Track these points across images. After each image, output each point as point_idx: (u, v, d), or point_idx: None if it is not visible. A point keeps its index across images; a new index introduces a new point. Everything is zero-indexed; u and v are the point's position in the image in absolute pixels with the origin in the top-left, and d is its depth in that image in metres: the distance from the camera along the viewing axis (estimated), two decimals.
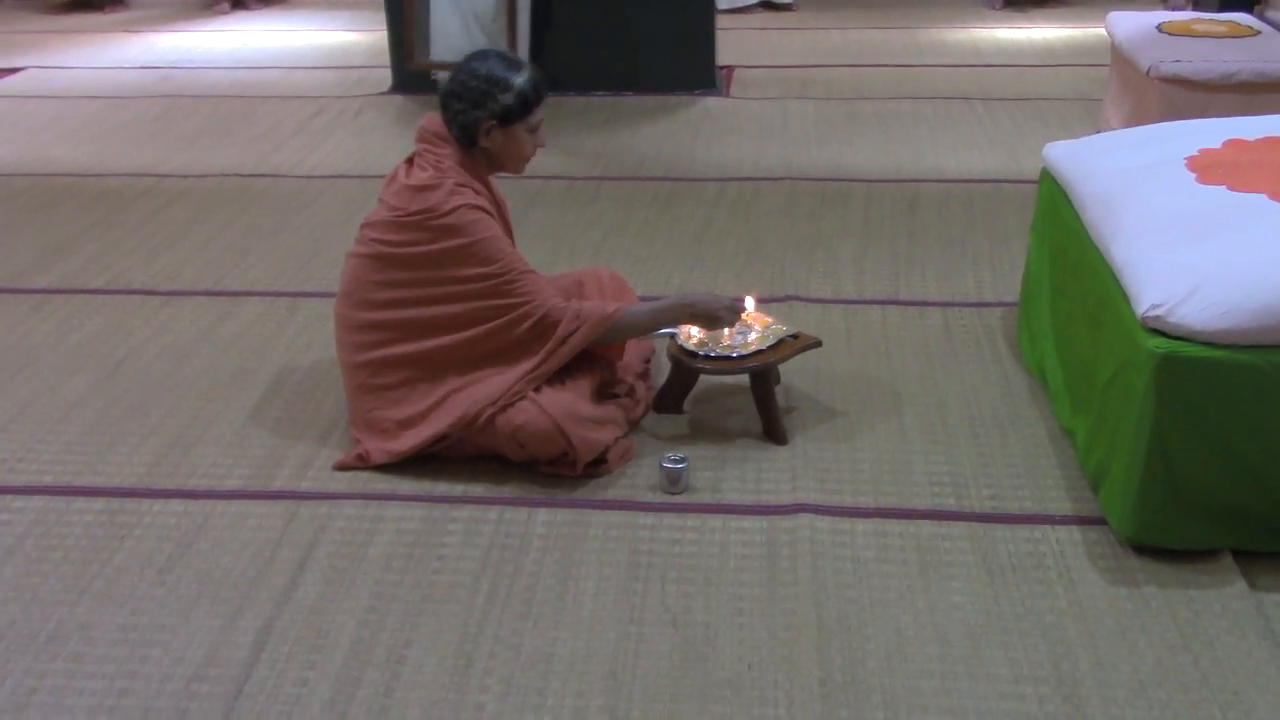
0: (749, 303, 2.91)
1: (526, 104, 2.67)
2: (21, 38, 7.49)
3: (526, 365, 2.67)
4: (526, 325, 2.67)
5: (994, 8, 7.83)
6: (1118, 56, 4.92)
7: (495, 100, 2.64)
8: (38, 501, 2.63)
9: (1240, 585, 2.29)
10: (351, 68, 6.50)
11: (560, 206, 4.39)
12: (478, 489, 2.65)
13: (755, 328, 2.86)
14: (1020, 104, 5.60)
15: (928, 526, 2.50)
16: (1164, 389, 2.24)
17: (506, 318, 2.67)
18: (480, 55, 2.68)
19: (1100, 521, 2.49)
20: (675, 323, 2.82)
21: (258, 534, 2.51)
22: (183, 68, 6.59)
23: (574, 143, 5.11)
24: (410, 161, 2.76)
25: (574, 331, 2.68)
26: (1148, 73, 4.42)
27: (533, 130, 2.72)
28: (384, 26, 6.00)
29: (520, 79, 2.66)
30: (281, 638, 2.21)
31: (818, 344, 2.93)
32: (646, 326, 2.80)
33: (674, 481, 2.62)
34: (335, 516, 2.55)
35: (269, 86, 6.15)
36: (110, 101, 5.93)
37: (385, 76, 6.05)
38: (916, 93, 5.82)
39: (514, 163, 2.76)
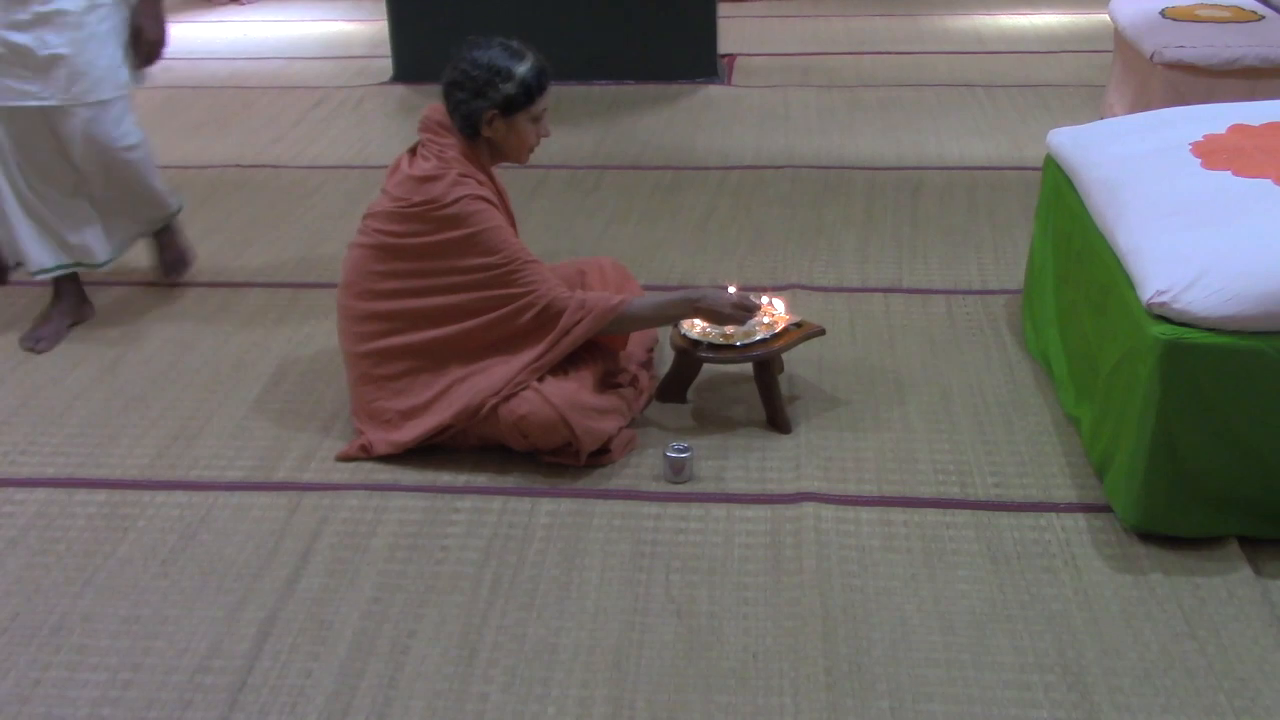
0: (778, 305, 2.89)
1: (529, 93, 2.65)
2: None
3: (529, 355, 2.67)
4: (530, 315, 2.66)
5: None
6: (1121, 42, 4.90)
7: (497, 89, 2.63)
8: (40, 494, 2.63)
9: (1246, 572, 2.29)
10: (352, 57, 6.48)
11: (562, 196, 4.38)
12: (481, 479, 2.65)
13: (764, 318, 2.85)
14: (1023, 90, 5.58)
15: (932, 515, 2.50)
16: (1169, 375, 2.23)
17: (510, 307, 2.66)
18: (483, 44, 2.67)
19: (1105, 509, 2.48)
20: (680, 317, 2.81)
21: (261, 525, 2.50)
22: (183, 59, 6.57)
23: (576, 132, 5.10)
24: (413, 151, 2.75)
25: (578, 322, 2.67)
26: (1151, 58, 4.40)
27: (536, 120, 2.71)
28: (384, 16, 5.98)
29: (523, 68, 2.64)
30: (285, 629, 2.21)
31: (821, 332, 2.92)
32: (651, 320, 2.79)
33: (678, 471, 2.62)
34: (338, 507, 2.55)
35: (269, 77, 6.14)
36: None
37: (386, 66, 6.03)
38: (919, 80, 5.81)
39: (517, 152, 2.75)
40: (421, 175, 2.65)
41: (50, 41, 2.99)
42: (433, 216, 2.63)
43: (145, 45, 3.20)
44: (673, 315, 2.79)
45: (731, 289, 2.82)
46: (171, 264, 3.65)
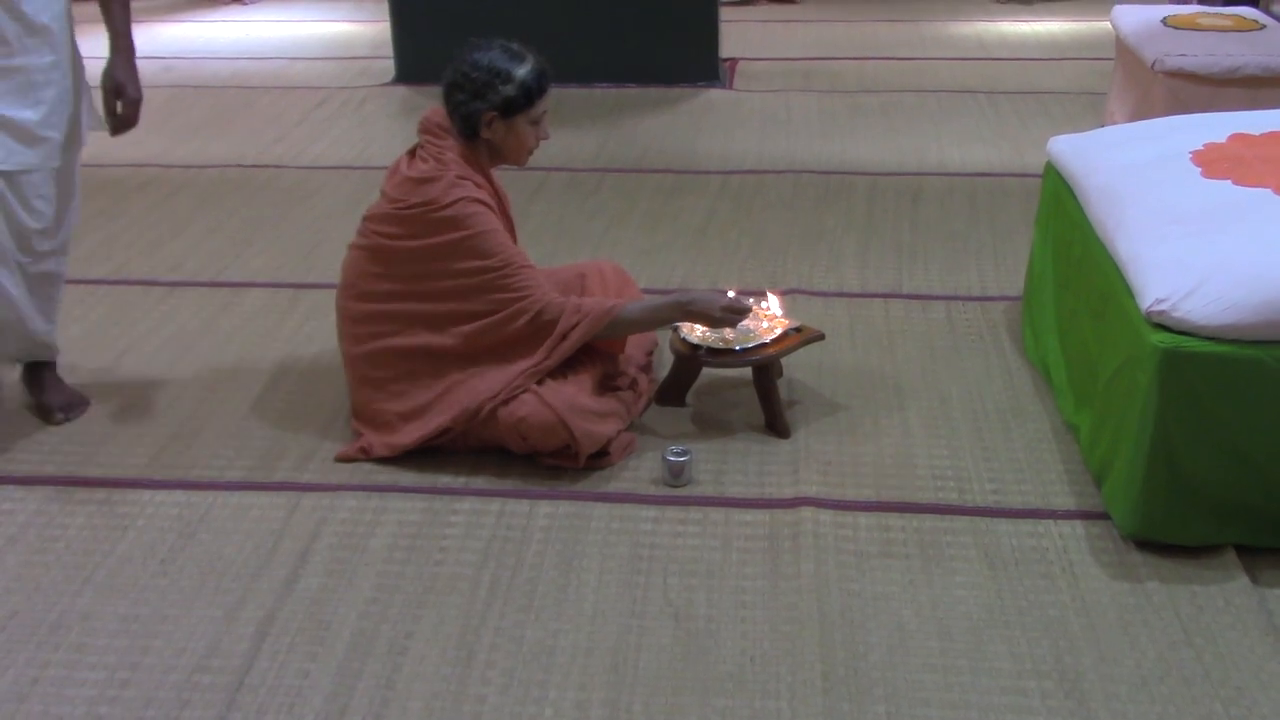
0: (773, 302, 2.90)
1: (528, 95, 2.65)
2: None
3: (528, 361, 2.67)
4: (524, 320, 2.66)
5: (998, 1, 7.81)
6: (1123, 50, 4.91)
7: (496, 91, 2.63)
8: (39, 492, 2.63)
9: (1243, 580, 2.29)
10: (354, 58, 6.49)
11: (563, 199, 4.39)
12: (479, 481, 2.65)
13: (764, 323, 2.86)
14: (1024, 97, 5.58)
15: (930, 520, 2.50)
16: (1168, 384, 2.24)
17: (504, 312, 2.66)
18: (483, 46, 2.68)
19: (1103, 516, 2.48)
20: (671, 320, 2.81)
21: (259, 525, 2.51)
22: (185, 58, 6.58)
23: (577, 135, 5.10)
24: (412, 153, 2.75)
25: (574, 326, 2.67)
26: (1153, 67, 4.41)
27: (535, 122, 2.71)
28: (386, 17, 5.98)
29: (522, 70, 2.64)
30: (283, 629, 2.21)
31: (820, 337, 2.93)
32: (644, 324, 2.80)
33: (676, 474, 2.62)
34: (337, 508, 2.55)
35: (271, 77, 6.14)
36: None
37: (388, 67, 6.04)
38: (920, 86, 5.81)
39: (516, 154, 2.75)
40: (419, 176, 2.65)
41: (11, 104, 2.55)
42: (429, 219, 2.63)
43: (128, 105, 2.77)
44: (664, 319, 2.79)
45: (731, 293, 2.82)
46: (63, 405, 2.93)
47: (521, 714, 2.01)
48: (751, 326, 2.83)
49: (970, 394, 2.99)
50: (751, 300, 2.86)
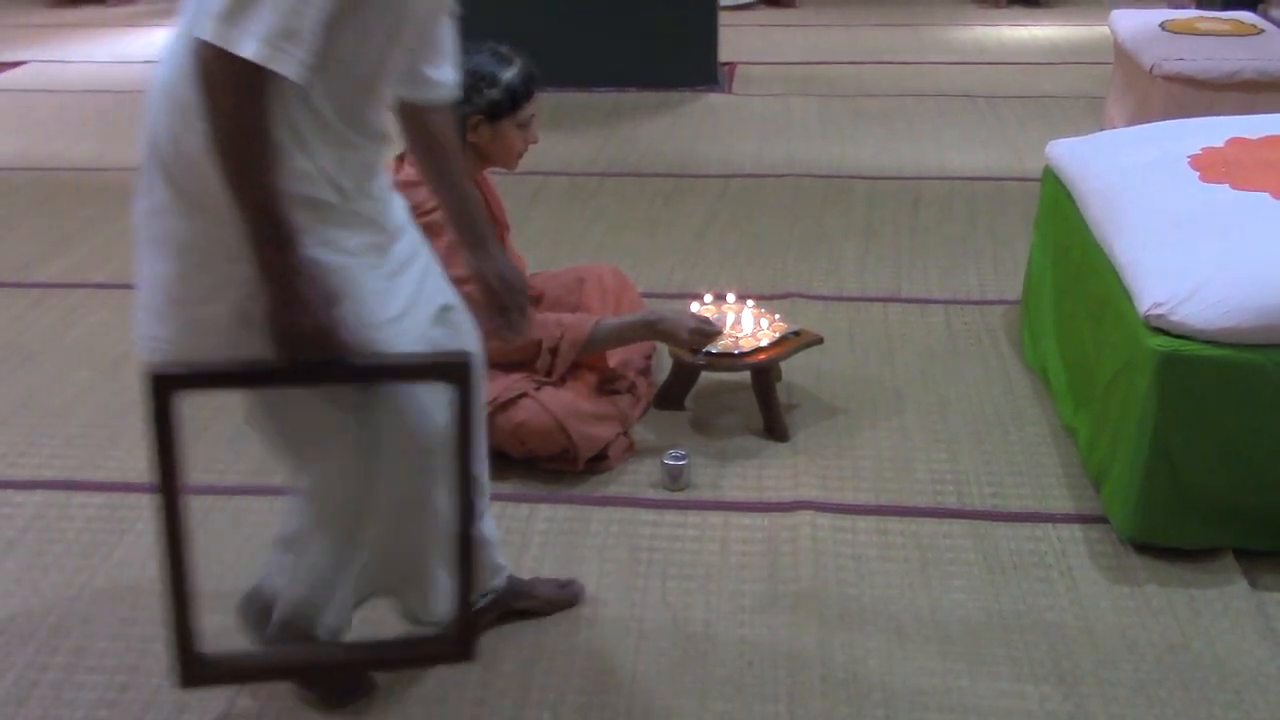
0: (747, 320, 2.89)
1: (514, 99, 2.64)
2: (24, 31, 7.49)
3: (523, 371, 2.67)
4: None
5: (997, 5, 7.83)
6: (1121, 54, 4.92)
7: (481, 95, 2.62)
8: (39, 495, 2.63)
9: (1241, 584, 2.29)
10: None
11: (562, 203, 4.39)
12: None
13: (762, 325, 2.86)
14: (1023, 102, 5.59)
15: (929, 524, 2.50)
16: (1166, 388, 2.24)
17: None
18: (472, 50, 2.67)
19: (1102, 520, 2.49)
20: (639, 339, 2.82)
21: (258, 529, 2.50)
22: None
23: (576, 139, 5.10)
24: (401, 158, 2.75)
25: (560, 339, 2.68)
26: (1151, 71, 4.42)
27: (523, 126, 2.69)
28: None
29: (509, 74, 2.63)
30: None
31: (819, 341, 2.93)
32: (613, 342, 2.80)
33: (675, 478, 2.62)
34: None
35: None
36: (113, 96, 5.93)
37: None
38: (920, 90, 5.82)
39: (504, 158, 2.74)
40: (404, 180, 2.65)
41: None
42: (414, 224, 2.62)
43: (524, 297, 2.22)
44: (631, 337, 2.80)
45: (694, 306, 2.83)
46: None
47: (520, 718, 2.01)
48: (751, 329, 2.84)
49: (969, 398, 2.99)
50: (725, 310, 2.88)
